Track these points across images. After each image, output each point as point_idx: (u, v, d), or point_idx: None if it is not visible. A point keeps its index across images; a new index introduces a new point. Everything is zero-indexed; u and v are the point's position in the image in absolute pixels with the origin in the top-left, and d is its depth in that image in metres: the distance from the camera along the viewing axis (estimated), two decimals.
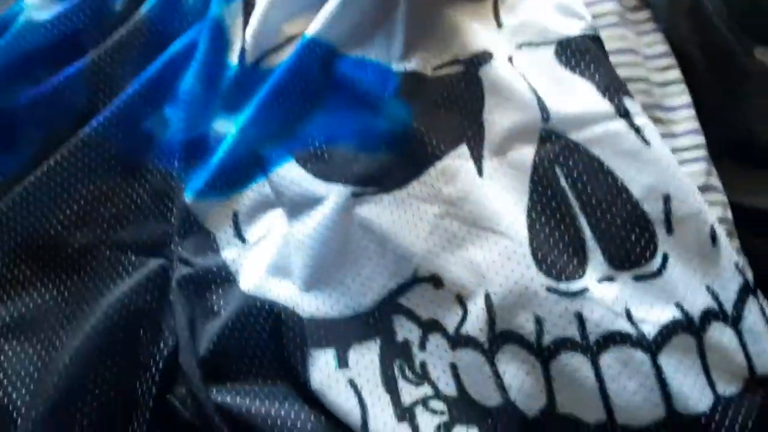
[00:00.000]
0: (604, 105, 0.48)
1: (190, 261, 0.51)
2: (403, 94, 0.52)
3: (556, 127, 0.48)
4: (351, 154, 0.52)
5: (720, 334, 0.43)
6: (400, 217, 0.49)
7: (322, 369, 0.46)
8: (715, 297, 0.43)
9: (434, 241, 0.47)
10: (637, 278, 0.44)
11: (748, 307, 0.43)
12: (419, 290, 0.47)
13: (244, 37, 0.56)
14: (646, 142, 0.46)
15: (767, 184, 0.51)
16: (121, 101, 0.55)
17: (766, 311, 0.43)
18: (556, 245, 0.45)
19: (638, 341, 0.42)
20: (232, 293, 0.50)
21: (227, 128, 0.54)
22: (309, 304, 0.48)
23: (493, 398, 0.44)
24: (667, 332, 0.42)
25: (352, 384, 0.46)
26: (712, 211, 0.46)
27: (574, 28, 0.51)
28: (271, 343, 0.48)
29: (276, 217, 0.52)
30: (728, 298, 0.43)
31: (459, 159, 0.49)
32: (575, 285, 0.43)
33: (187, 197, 0.53)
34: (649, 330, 0.42)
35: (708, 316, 0.43)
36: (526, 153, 0.48)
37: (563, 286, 0.43)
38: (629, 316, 0.43)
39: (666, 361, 0.42)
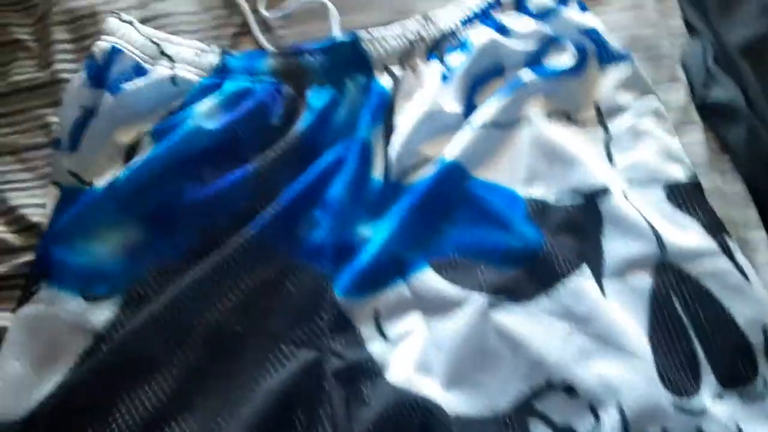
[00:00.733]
0: (710, 243, 0.57)
1: (341, 354, 0.58)
2: (532, 217, 0.61)
3: (671, 259, 0.57)
4: (484, 266, 0.60)
5: None
6: (533, 328, 0.56)
7: None
8: None
9: (566, 352, 0.55)
10: (743, 398, 0.52)
11: None
12: (553, 397, 0.54)
13: (385, 156, 0.64)
14: (746, 278, 0.55)
15: None
16: (279, 206, 0.62)
17: None
18: (675, 364, 0.53)
19: None
20: (381, 385, 0.56)
21: (370, 234, 0.62)
22: (452, 403, 0.55)
23: None
24: None
25: None
26: None
27: (679, 173, 0.61)
28: None
29: (416, 317, 0.59)
30: None
31: (582, 279, 0.57)
32: (695, 402, 0.52)
33: (337, 295, 0.60)
34: None
35: None
36: (644, 279, 0.57)
37: (685, 402, 0.51)
38: None
39: None
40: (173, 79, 0.67)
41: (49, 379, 0.58)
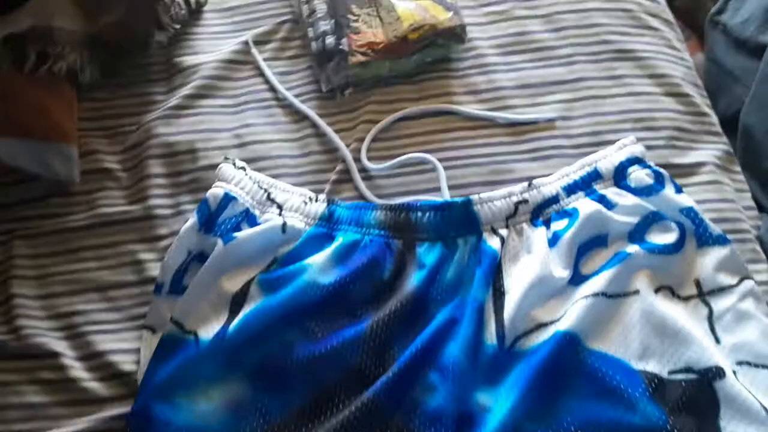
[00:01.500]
0: None
1: None
2: (653, 395, 0.61)
3: None
4: None
5: None
6: None
7: None
8: None
9: None
10: None
11: None
12: None
13: (497, 320, 0.64)
14: None
15: None
16: (397, 368, 0.60)
17: None
18: None
19: None
20: None
21: (489, 402, 0.61)
22: None
23: None
24: None
25: None
26: None
27: None
28: None
29: None
30: None
31: None
32: None
33: None
34: None
35: None
36: None
37: None
38: None
39: None
40: (283, 227, 0.66)
41: None
